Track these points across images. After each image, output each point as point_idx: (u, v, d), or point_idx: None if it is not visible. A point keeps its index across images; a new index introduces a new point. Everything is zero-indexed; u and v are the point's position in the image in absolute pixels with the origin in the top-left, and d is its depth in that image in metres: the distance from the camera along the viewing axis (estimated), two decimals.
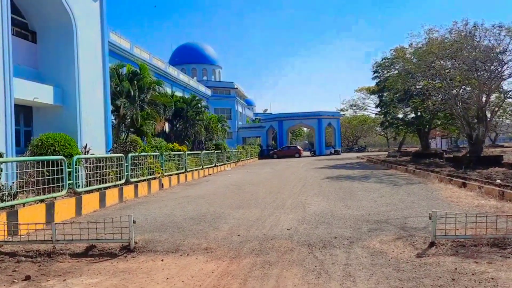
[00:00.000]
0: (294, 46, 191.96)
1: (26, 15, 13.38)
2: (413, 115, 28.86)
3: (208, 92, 52.72)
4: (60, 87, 13.15)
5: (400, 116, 29.55)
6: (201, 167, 21.48)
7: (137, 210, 9.71)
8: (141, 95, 17.68)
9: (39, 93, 12.12)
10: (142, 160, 13.65)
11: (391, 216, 7.64)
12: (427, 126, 28.74)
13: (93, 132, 13.93)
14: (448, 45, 19.77)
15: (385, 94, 29.90)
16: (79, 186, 9.92)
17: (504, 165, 15.89)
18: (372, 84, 32.39)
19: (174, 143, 20.51)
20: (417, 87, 22.73)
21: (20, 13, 13.25)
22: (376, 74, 30.11)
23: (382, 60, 28.78)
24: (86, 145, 11.63)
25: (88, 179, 10.54)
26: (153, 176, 14.42)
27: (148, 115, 18.72)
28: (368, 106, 42.65)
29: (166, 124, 33.89)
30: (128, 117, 17.85)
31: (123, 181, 12.13)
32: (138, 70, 18.09)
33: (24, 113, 13.03)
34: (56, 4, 12.69)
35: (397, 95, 26.28)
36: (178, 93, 37.52)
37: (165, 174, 15.83)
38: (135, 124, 17.24)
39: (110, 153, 12.83)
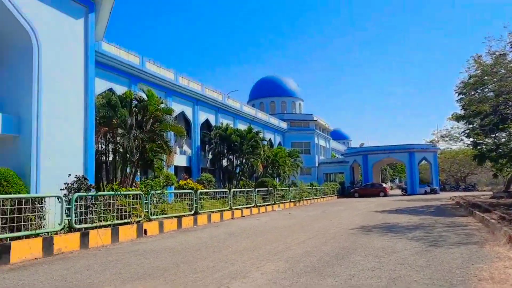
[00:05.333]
0: (392, 80, 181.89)
1: None
2: None
3: (283, 125, 50.00)
4: (16, 115, 11.44)
5: (495, 146, 22.99)
6: (228, 207, 18.41)
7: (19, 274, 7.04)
8: (145, 124, 15.52)
9: None
10: (103, 201, 11.12)
11: None
12: None
13: (61, 167, 11.81)
14: None
15: (475, 120, 23.87)
16: None
17: None
18: (458, 109, 26.37)
19: (188, 180, 17.93)
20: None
21: None
22: (461, 96, 24.27)
23: (470, 78, 23.10)
24: None
25: None
26: (126, 221, 11.76)
27: (160, 147, 16.44)
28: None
29: (225, 160, 31.84)
30: (135, 151, 15.73)
31: (59, 227, 9.65)
32: (144, 97, 16.07)
33: None
34: (12, 22, 11.18)
35: (487, 119, 20.41)
36: (242, 126, 35.44)
37: (153, 217, 13.10)
38: (131, 157, 15.01)
39: (64, 193, 10.48)
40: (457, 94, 24.36)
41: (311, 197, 33.04)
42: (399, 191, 56.24)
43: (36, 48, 11.51)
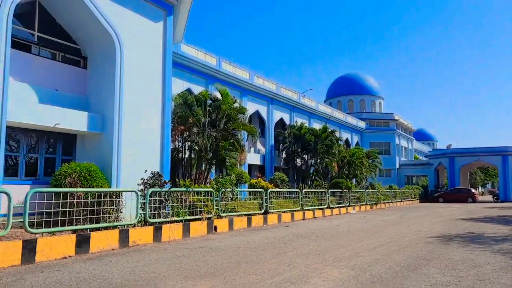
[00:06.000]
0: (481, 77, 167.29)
1: (77, 40, 13.20)
2: None
3: (362, 124, 48.34)
4: (101, 114, 12.30)
5: None
6: (299, 208, 18.18)
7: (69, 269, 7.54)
8: (218, 123, 15.87)
9: (67, 119, 11.39)
10: (176, 196, 11.53)
11: None
12: None
13: (139, 163, 12.50)
14: None
15: None
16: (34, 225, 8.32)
17: None
18: None
19: (259, 178, 17.97)
20: None
21: (71, 38, 13.14)
22: None
23: None
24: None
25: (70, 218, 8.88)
26: (197, 217, 12.10)
27: (233, 146, 16.72)
28: None
29: (299, 159, 31.59)
30: (209, 149, 16.17)
31: (135, 221, 10.18)
32: (218, 96, 16.42)
33: (65, 141, 12.58)
34: (99, 27, 12.03)
35: None
36: (317, 125, 34.92)
37: (224, 214, 13.34)
38: (205, 155, 15.40)
39: (141, 188, 11.03)
40: None
41: (390, 201, 31.49)
42: (490, 197, 51.63)
43: (118, 51, 12.29)
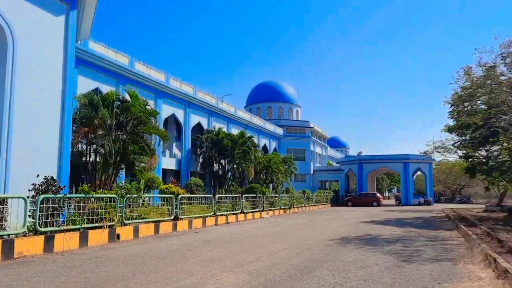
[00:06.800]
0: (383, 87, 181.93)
1: None
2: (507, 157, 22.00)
3: (280, 131, 49.66)
4: None
5: (486, 160, 22.53)
6: (212, 213, 17.99)
7: None
8: (126, 126, 15.17)
9: None
10: (73, 203, 10.74)
11: None
12: None
13: (33, 167, 11.41)
14: None
15: (467, 132, 23.48)
16: None
17: None
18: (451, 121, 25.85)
19: (170, 184, 17.55)
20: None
21: None
22: (453, 108, 23.88)
23: (461, 90, 22.68)
24: None
25: None
26: (97, 225, 11.36)
27: (142, 150, 16.06)
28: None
29: (216, 164, 31.45)
30: (114, 152, 15.34)
31: (21, 230, 9.25)
32: (128, 98, 15.72)
33: None
34: None
35: (477, 132, 20.09)
36: (236, 131, 35.08)
37: (128, 222, 12.71)
38: (109, 159, 14.62)
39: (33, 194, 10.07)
40: (450, 105, 23.92)
41: (303, 205, 32.61)
42: (394, 201, 55.88)
43: (11, 44, 11.22)
